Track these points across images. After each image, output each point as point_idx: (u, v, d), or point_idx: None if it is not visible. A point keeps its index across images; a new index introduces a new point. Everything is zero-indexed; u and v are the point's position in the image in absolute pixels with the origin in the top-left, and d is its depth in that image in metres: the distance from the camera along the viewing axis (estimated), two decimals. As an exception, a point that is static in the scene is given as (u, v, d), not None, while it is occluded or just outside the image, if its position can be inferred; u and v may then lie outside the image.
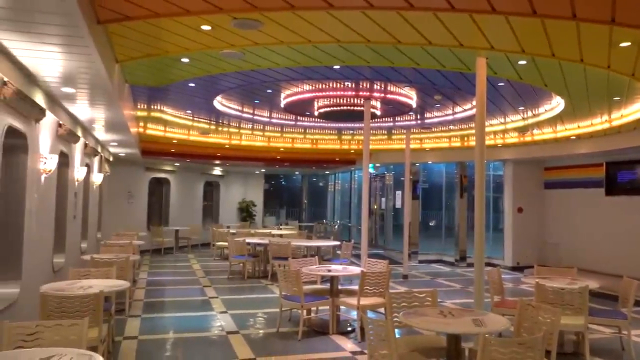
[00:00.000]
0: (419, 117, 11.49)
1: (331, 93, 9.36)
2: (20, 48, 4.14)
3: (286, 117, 12.01)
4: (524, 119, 10.60)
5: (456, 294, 10.26)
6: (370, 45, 5.52)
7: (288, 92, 9.42)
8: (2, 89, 4.68)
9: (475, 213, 6.14)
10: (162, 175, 18.02)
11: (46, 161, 6.54)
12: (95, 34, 4.13)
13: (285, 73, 7.52)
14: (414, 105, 9.91)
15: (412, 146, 13.31)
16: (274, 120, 12.39)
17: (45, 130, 6.48)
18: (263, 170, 21.80)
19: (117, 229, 13.33)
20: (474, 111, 9.59)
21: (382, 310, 6.83)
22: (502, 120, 10.94)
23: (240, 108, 10.97)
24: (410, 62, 6.41)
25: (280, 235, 14.01)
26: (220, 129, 13.32)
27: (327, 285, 7.52)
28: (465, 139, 13.96)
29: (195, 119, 11.91)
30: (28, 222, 5.83)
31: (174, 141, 13.80)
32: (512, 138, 12.92)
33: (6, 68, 4.46)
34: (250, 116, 11.78)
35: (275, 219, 24.13)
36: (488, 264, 10.37)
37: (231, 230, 15.56)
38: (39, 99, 5.64)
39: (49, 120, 6.46)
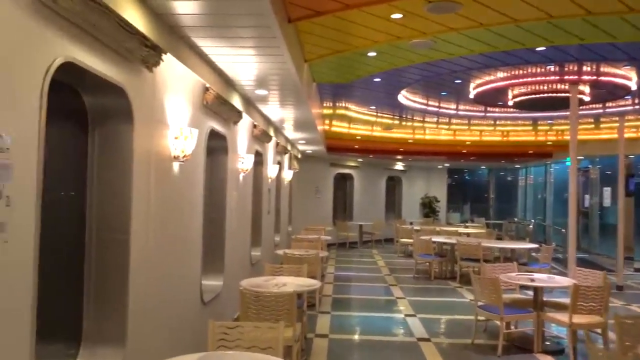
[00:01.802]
0: (637, 101, 9.74)
1: (530, 79, 8.36)
2: (219, 54, 4.29)
3: (474, 109, 11.18)
4: None
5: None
6: (590, 17, 4.63)
7: (479, 81, 8.67)
8: (205, 95, 4.95)
9: None
10: (346, 170, 18.39)
11: (244, 161, 6.91)
12: (286, 33, 4.08)
13: (478, 60, 6.87)
14: (634, 87, 8.37)
15: (626, 135, 11.39)
16: (460, 112, 11.66)
17: (242, 132, 6.84)
18: (446, 164, 20.97)
19: (305, 223, 13.88)
20: None
21: (598, 330, 5.82)
22: None
23: (425, 101, 10.50)
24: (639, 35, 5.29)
25: (467, 234, 13.20)
26: (403, 123, 13.00)
27: (527, 295, 6.70)
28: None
29: (379, 114, 11.76)
30: (229, 218, 6.19)
31: (358, 137, 13.89)
32: None
33: (208, 75, 4.68)
34: (436, 109, 11.23)
35: (459, 215, 23.08)
36: None
37: (414, 227, 15.18)
38: (237, 102, 5.90)
39: (245, 122, 6.79)
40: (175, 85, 4.12)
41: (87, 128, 3.29)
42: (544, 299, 6.36)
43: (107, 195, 3.29)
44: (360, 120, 12.43)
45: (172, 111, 4.06)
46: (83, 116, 3.27)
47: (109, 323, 3.32)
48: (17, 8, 2.12)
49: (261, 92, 5.99)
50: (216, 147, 5.85)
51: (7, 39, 2.07)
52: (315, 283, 5.70)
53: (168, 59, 3.69)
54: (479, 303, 6.28)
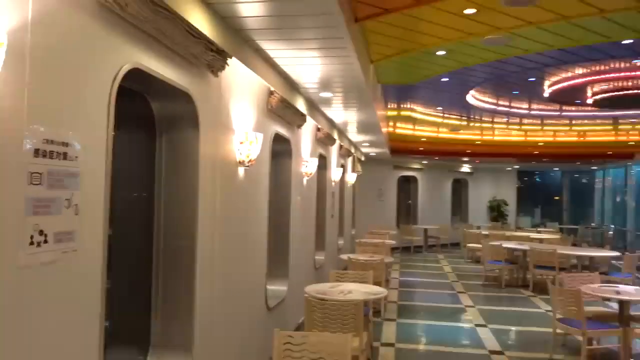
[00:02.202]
0: None
1: (613, 75, 7.78)
2: (284, 57, 4.21)
3: (548, 108, 10.59)
4: None
5: None
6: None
7: (555, 78, 8.17)
8: (269, 99, 4.90)
9: None
10: (410, 173, 18.01)
11: (307, 164, 6.83)
12: (353, 33, 3.94)
13: (555, 56, 6.45)
14: None
15: None
16: (533, 112, 11.09)
17: (305, 135, 6.77)
18: (516, 166, 20.08)
19: (369, 226, 13.67)
20: None
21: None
22: None
23: (494, 100, 10.05)
24: None
25: (540, 240, 12.52)
26: (471, 124, 12.54)
27: (611, 309, 6.20)
28: None
29: (446, 115, 11.40)
30: (293, 223, 6.13)
31: (423, 139, 13.55)
32: None
33: (272, 78, 4.62)
34: (506, 109, 10.73)
35: (529, 219, 22.05)
36: None
37: (482, 232, 14.60)
38: (300, 105, 5.83)
39: (308, 125, 6.72)
40: (240, 89, 4.08)
41: (154, 134, 3.29)
42: (631, 312, 5.85)
43: (173, 202, 3.28)
44: (425, 122, 12.11)
45: (237, 116, 4.02)
46: (151, 122, 3.27)
47: (176, 329, 3.31)
48: (85, 15, 2.10)
49: (325, 94, 5.88)
50: (280, 150, 5.81)
51: (75, 47, 2.05)
52: (381, 291, 5.52)
53: (233, 63, 3.64)
54: (558, 315, 5.87)
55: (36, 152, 1.84)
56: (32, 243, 1.83)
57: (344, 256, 8.83)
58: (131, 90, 2.91)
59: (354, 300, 4.63)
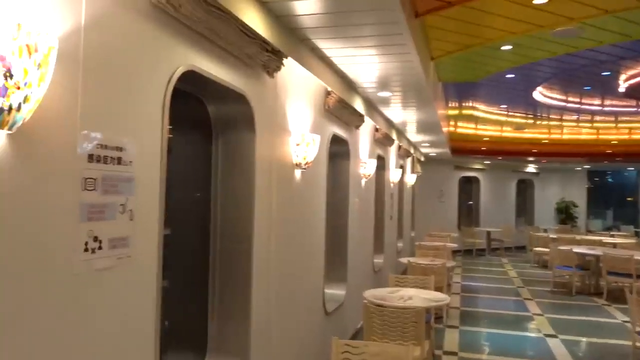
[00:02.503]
0: None
1: (699, 66, 7.16)
2: (341, 55, 4.09)
3: (624, 104, 9.91)
4: None
5: None
6: None
7: (632, 72, 7.61)
8: (326, 99, 4.80)
9: None
10: (472, 173, 17.44)
11: (366, 166, 6.69)
12: (413, 29, 3.77)
13: (633, 47, 5.97)
14: None
15: None
16: (606, 109, 10.42)
17: (364, 136, 6.63)
18: (586, 166, 19.02)
19: (429, 228, 13.33)
20: None
21: None
22: None
23: (563, 97, 9.51)
24: None
25: (614, 245, 11.76)
26: (538, 122, 11.96)
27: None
28: None
29: (510, 113, 10.93)
30: (351, 225, 6.01)
31: (485, 138, 13.06)
32: None
33: (329, 78, 4.52)
34: (576, 105, 10.14)
35: (601, 222, 20.84)
36: None
37: (550, 235, 13.90)
38: (358, 105, 5.70)
39: (366, 126, 6.57)
40: (296, 90, 4.01)
41: (210, 135, 3.27)
42: None
43: (230, 205, 3.24)
44: (488, 121, 11.66)
45: (293, 117, 3.94)
46: (207, 124, 3.25)
47: (232, 331, 3.27)
48: (139, 17, 2.07)
49: (384, 94, 5.72)
50: (338, 152, 5.70)
51: (128, 49, 2.02)
52: (444, 298, 5.29)
53: (288, 63, 3.56)
54: (637, 328, 5.43)
55: (90, 157, 1.81)
56: (86, 249, 1.81)
57: (404, 259, 8.61)
58: (186, 93, 2.89)
59: (415, 308, 4.45)
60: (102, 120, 1.88)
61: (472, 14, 4.21)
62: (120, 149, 1.97)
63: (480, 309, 8.66)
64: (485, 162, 17.03)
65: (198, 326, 3.28)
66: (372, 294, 5.26)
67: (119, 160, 1.97)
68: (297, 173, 4.11)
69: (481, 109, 10.50)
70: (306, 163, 4.05)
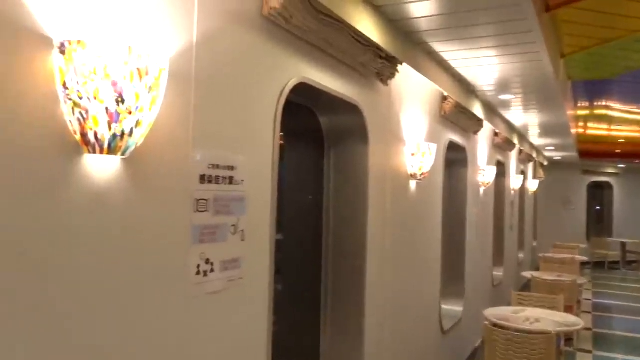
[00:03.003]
0: None
1: None
2: (460, 58, 3.81)
3: None
4: None
5: None
6: None
7: None
8: (443, 105, 4.53)
9: None
10: (603, 178, 15.85)
11: (484, 173, 6.28)
12: (543, 26, 3.40)
13: None
14: None
15: None
16: None
17: (482, 141, 6.22)
18: None
19: (553, 239, 12.29)
20: None
21: None
22: None
23: None
24: None
25: None
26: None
27: None
28: None
29: (651, 112, 9.74)
30: (469, 236, 5.65)
31: (621, 140, 11.78)
32: None
33: (446, 82, 4.25)
34: None
35: None
36: None
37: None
38: (477, 109, 5.33)
39: (485, 130, 6.16)
40: (410, 97, 3.80)
41: (321, 147, 3.17)
42: None
43: (342, 220, 3.13)
44: (625, 121, 10.50)
45: (408, 125, 3.74)
46: (319, 135, 3.16)
47: (345, 347, 3.15)
48: (251, 30, 2.01)
49: (505, 97, 5.30)
50: (454, 159, 5.39)
51: (239, 65, 1.96)
52: (576, 322, 4.75)
53: (402, 69, 3.37)
54: None
55: (202, 178, 1.77)
56: (198, 272, 1.76)
57: (526, 274, 8.00)
58: (297, 104, 2.81)
59: (545, 333, 4.02)
60: (213, 139, 1.83)
61: (611, 3, 3.72)
62: (231, 167, 1.91)
63: (617, 331, 7.76)
64: (619, 165, 15.39)
65: (309, 340, 3.20)
66: (494, 313, 4.86)
67: (231, 180, 1.91)
68: (412, 184, 3.90)
69: (616, 108, 9.48)
70: (422, 174, 3.82)
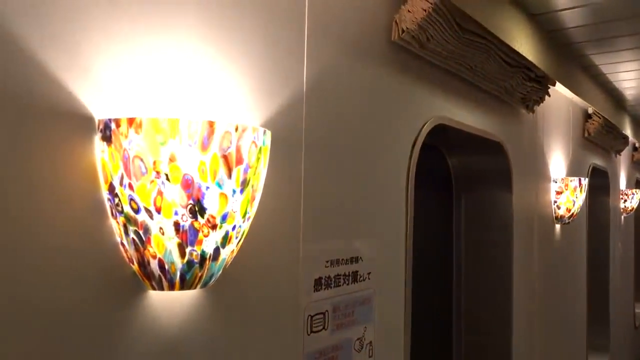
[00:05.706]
0: None
1: None
2: (613, 72, 3.03)
3: None
4: None
5: None
6: None
7: None
8: (586, 125, 3.73)
9: None
10: None
11: (627, 198, 5.29)
12: None
13: None
14: None
15: None
16: None
17: (623, 161, 5.25)
18: None
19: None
20: None
21: None
22: None
23: None
24: None
25: None
26: None
27: None
28: None
29: None
30: (612, 271, 4.73)
31: None
32: None
33: (593, 99, 3.45)
34: None
35: None
36: None
37: None
38: (625, 126, 4.43)
39: (626, 148, 5.19)
40: (554, 121, 3.07)
41: (450, 192, 2.55)
42: None
43: (477, 284, 2.48)
44: None
45: (552, 157, 3.01)
46: (446, 177, 2.55)
47: None
48: (374, 64, 1.45)
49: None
50: (594, 185, 4.50)
51: (361, 112, 1.42)
52: None
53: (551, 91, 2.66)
54: None
55: (317, 283, 1.23)
56: (314, 417, 1.23)
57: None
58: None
59: None
60: (331, 223, 1.29)
61: None
62: (356, 259, 1.36)
63: None
64: None
65: None
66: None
67: (355, 277, 1.36)
68: (557, 227, 3.15)
69: None
70: (571, 215, 3.06)
